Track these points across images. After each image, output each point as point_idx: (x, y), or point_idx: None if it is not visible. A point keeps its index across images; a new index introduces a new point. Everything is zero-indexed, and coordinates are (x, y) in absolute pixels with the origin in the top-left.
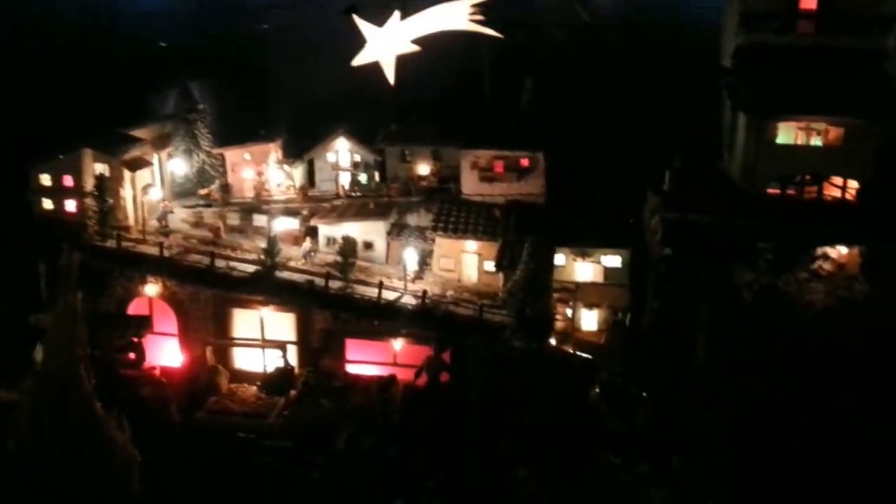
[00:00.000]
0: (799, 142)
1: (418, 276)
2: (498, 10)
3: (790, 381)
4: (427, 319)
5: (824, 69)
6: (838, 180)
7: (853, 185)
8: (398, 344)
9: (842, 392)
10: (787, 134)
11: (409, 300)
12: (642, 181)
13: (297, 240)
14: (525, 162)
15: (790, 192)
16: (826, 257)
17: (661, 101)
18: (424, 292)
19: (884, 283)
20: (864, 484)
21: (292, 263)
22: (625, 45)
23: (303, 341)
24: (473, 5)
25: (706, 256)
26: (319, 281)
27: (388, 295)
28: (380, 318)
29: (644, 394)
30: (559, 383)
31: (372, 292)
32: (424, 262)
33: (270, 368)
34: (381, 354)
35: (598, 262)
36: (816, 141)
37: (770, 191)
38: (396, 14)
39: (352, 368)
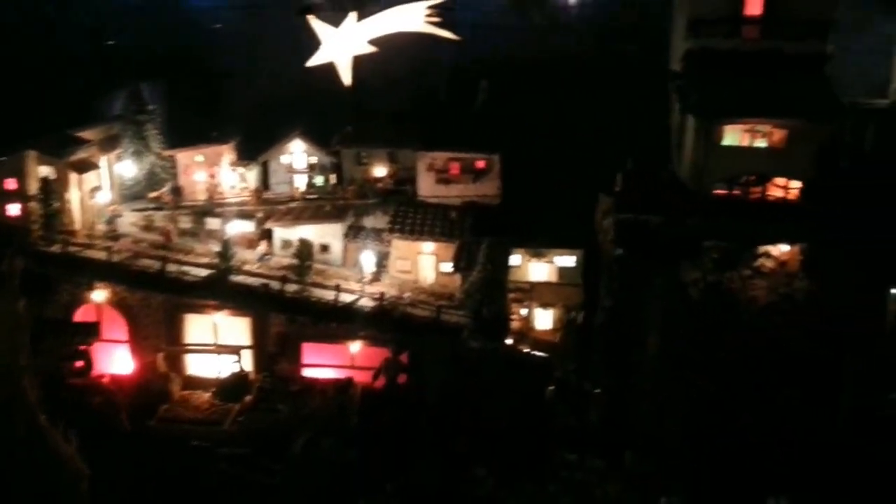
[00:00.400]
0: (745, 143)
1: (375, 277)
2: (454, 12)
3: (735, 377)
4: (384, 321)
5: (769, 73)
6: (782, 181)
7: (796, 185)
8: (355, 346)
9: (784, 387)
10: (733, 136)
11: (366, 302)
12: (596, 182)
13: (251, 243)
14: (481, 164)
15: (736, 192)
16: (768, 255)
17: (614, 103)
18: (382, 294)
19: (822, 279)
20: (807, 475)
21: (247, 267)
22: (582, 48)
23: (258, 346)
24: (430, 7)
25: (657, 256)
26: (275, 284)
27: (345, 297)
28: (337, 321)
29: (597, 391)
30: (515, 383)
31: (329, 295)
32: (381, 264)
33: (225, 374)
34: (339, 357)
35: (553, 263)
36: (761, 143)
37: (717, 191)
38: (352, 15)
39: (309, 372)
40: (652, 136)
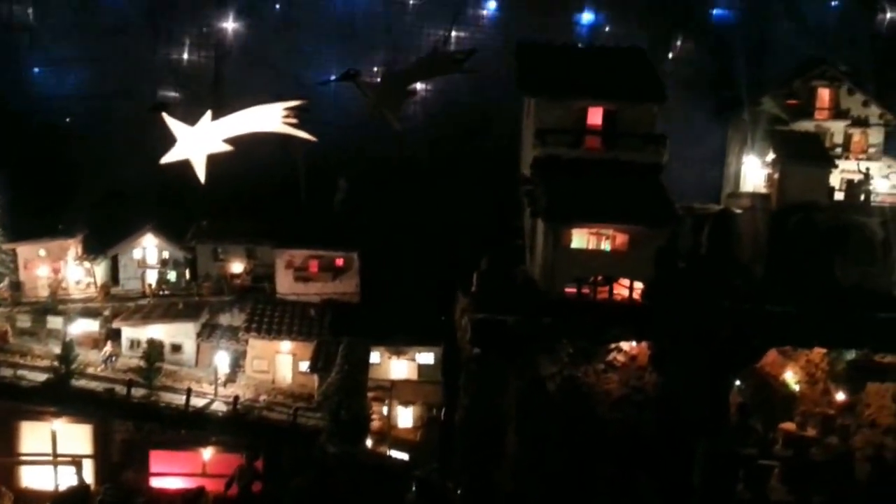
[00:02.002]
0: (591, 246)
1: (230, 379)
2: (311, 112)
3: (592, 467)
4: (238, 426)
5: (611, 180)
6: (626, 281)
7: (638, 285)
8: (208, 453)
9: (639, 476)
10: (580, 239)
11: (219, 406)
12: (454, 281)
13: (96, 343)
14: (340, 261)
15: (585, 291)
16: (620, 350)
17: (470, 205)
18: (236, 397)
19: (669, 372)
20: None
21: (90, 370)
22: (438, 150)
23: (101, 455)
24: (287, 108)
25: (513, 354)
26: (121, 388)
27: (197, 401)
28: (187, 427)
29: (458, 491)
30: (374, 488)
31: (179, 399)
32: (237, 364)
33: (63, 487)
34: (189, 465)
35: (413, 360)
36: (606, 245)
37: (568, 290)
38: (208, 114)
39: (157, 482)
40: (507, 235)
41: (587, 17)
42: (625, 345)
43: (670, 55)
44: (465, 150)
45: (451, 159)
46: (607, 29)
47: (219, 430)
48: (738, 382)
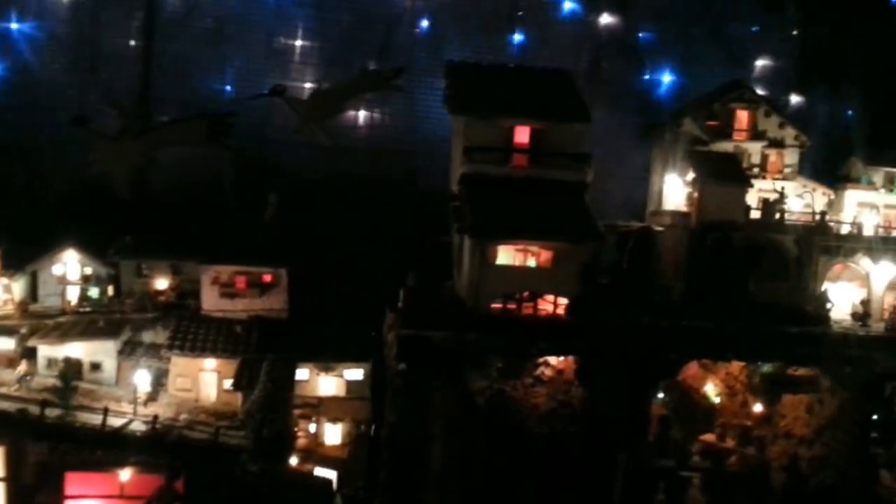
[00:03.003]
0: (517, 263)
1: (151, 397)
2: (237, 126)
3: (518, 482)
4: (158, 446)
5: (537, 197)
6: (550, 297)
7: (563, 301)
8: (126, 474)
9: (562, 490)
10: (506, 255)
11: (138, 425)
12: (384, 297)
13: (11, 362)
14: (268, 277)
15: (511, 307)
16: (547, 364)
17: (399, 221)
18: (155, 416)
19: (593, 386)
20: None
21: (3, 389)
22: (368, 167)
23: (13, 478)
24: (213, 121)
25: (440, 370)
26: (35, 408)
27: (115, 421)
28: (104, 448)
29: None
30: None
31: (96, 419)
32: (160, 383)
33: None
34: (107, 487)
35: (342, 376)
36: (531, 262)
37: (494, 306)
38: (133, 126)
39: None
40: (436, 252)
41: (517, 37)
42: (552, 359)
43: (597, 76)
44: (399, 167)
45: (384, 175)
46: (537, 50)
47: (137, 451)
48: (661, 395)
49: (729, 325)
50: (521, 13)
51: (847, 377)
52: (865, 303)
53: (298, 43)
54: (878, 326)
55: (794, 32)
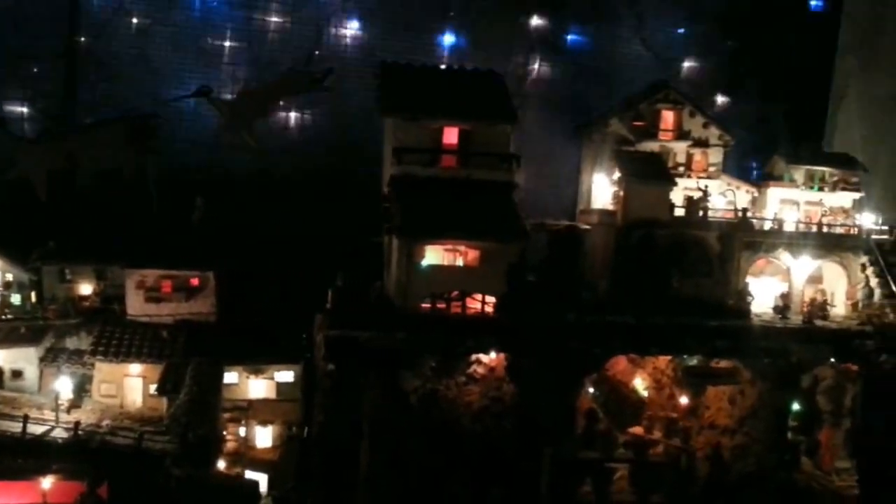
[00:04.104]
0: (445, 262)
1: (74, 404)
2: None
3: (450, 478)
4: (80, 452)
5: (465, 198)
6: (479, 296)
7: (491, 299)
8: (47, 482)
9: (492, 485)
10: (434, 255)
11: (60, 433)
12: (314, 298)
13: None
14: (195, 281)
15: (440, 306)
16: (479, 362)
17: (332, 222)
18: (77, 423)
19: (523, 383)
20: None
21: None
22: (300, 168)
23: None
24: (134, 123)
25: (369, 370)
26: None
27: (36, 428)
28: (25, 456)
29: None
30: None
31: (17, 426)
32: (84, 389)
33: None
34: (27, 495)
35: (272, 379)
36: (459, 261)
37: (423, 305)
38: (51, 129)
39: None
40: (367, 253)
41: (449, 39)
42: (484, 357)
43: (529, 78)
44: (331, 167)
45: (317, 176)
46: (468, 51)
47: (59, 458)
48: (591, 390)
49: (652, 320)
50: (452, 14)
51: (765, 368)
52: (785, 296)
53: (227, 44)
54: (796, 319)
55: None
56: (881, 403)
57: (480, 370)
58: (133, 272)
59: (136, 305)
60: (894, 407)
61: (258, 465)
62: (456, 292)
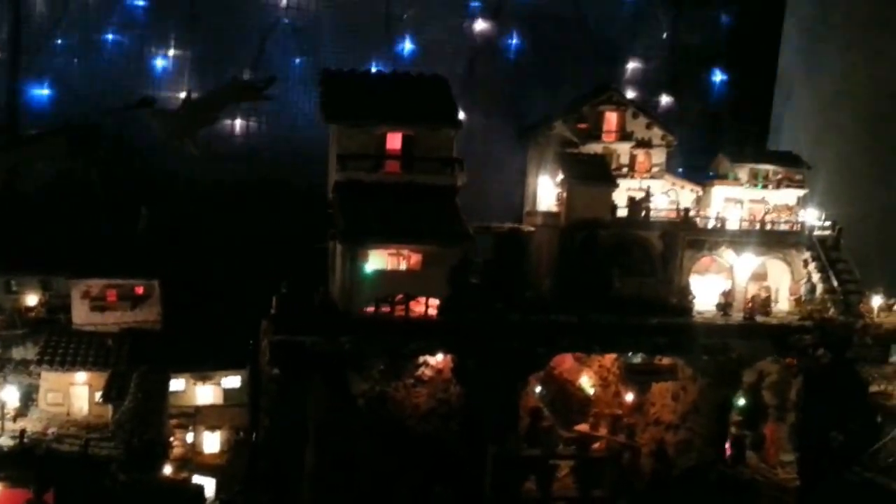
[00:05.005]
0: (389, 266)
1: (21, 413)
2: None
3: (398, 479)
4: (26, 460)
5: (409, 202)
6: (423, 298)
7: (434, 302)
8: None
9: (435, 484)
10: (378, 260)
11: (5, 441)
12: (262, 305)
13: None
14: (140, 290)
15: (384, 310)
16: (427, 364)
17: (280, 229)
18: (22, 431)
19: (469, 383)
20: None
21: None
22: (245, 175)
23: None
24: (75, 135)
25: (313, 373)
26: None
27: None
28: None
29: None
30: None
31: None
32: (30, 398)
33: None
34: None
35: (219, 385)
36: (403, 265)
37: (367, 309)
38: None
39: None
40: (313, 259)
41: (394, 45)
42: (432, 359)
43: (474, 82)
44: (278, 174)
45: (264, 184)
46: (414, 57)
47: (4, 466)
48: (538, 389)
49: (595, 318)
50: (397, 19)
51: (705, 365)
52: (727, 294)
53: (171, 52)
54: (738, 316)
55: (664, 36)
56: (821, 397)
57: (428, 372)
58: (78, 282)
59: (81, 315)
60: (833, 400)
61: (206, 470)
62: (400, 296)
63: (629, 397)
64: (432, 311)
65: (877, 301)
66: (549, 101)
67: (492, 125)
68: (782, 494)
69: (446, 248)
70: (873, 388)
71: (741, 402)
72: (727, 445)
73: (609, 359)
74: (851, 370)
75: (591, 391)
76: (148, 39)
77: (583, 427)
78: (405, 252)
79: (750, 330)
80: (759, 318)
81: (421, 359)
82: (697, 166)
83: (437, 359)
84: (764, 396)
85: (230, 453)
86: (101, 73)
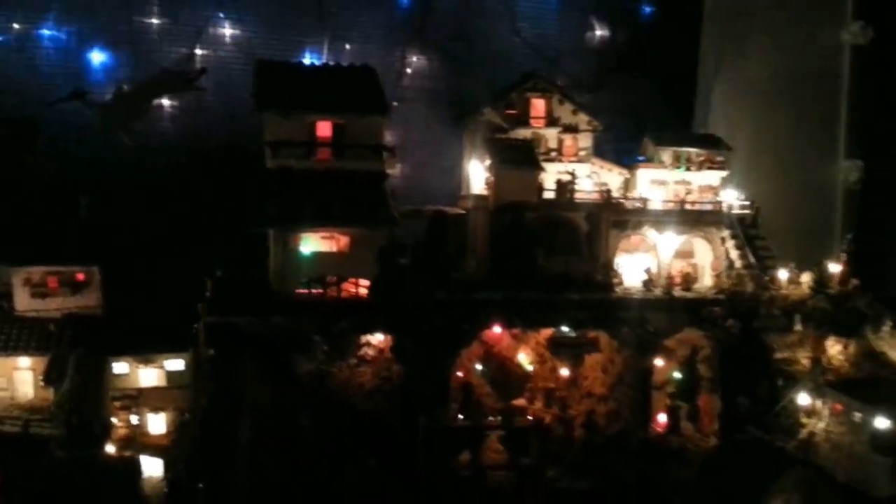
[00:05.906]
0: (321, 249)
1: None
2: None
3: (336, 454)
4: None
5: (339, 187)
6: (354, 279)
7: (364, 282)
8: None
9: (369, 456)
10: (311, 243)
11: None
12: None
13: None
14: (80, 276)
15: (317, 291)
16: (370, 344)
17: (219, 214)
18: None
19: (407, 361)
20: None
21: None
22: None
23: None
24: (14, 127)
25: (248, 353)
26: None
27: None
28: None
29: (200, 485)
30: (104, 487)
31: None
32: None
33: None
34: None
35: (162, 367)
36: (333, 247)
37: (301, 291)
38: None
39: None
40: (249, 243)
41: (326, 37)
42: (373, 339)
43: (408, 70)
44: (216, 162)
45: (202, 171)
46: (347, 48)
47: None
48: (479, 366)
49: (517, 296)
50: (330, 12)
51: (626, 337)
52: (649, 270)
53: (108, 45)
54: (659, 291)
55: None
56: (732, 365)
57: (371, 352)
58: (19, 269)
59: (23, 301)
60: (742, 368)
61: (152, 451)
62: (333, 277)
63: (564, 372)
64: (363, 291)
65: (784, 274)
66: (487, 89)
67: (430, 113)
68: (702, 457)
69: (373, 231)
70: (778, 355)
71: (677, 375)
72: (665, 416)
73: (545, 335)
74: (758, 339)
75: (529, 367)
76: (86, 32)
77: (520, 401)
78: (335, 235)
79: (668, 304)
80: (678, 293)
81: (363, 339)
82: (631, 150)
83: (379, 338)
84: (699, 370)
85: (176, 434)
86: (37, 65)
